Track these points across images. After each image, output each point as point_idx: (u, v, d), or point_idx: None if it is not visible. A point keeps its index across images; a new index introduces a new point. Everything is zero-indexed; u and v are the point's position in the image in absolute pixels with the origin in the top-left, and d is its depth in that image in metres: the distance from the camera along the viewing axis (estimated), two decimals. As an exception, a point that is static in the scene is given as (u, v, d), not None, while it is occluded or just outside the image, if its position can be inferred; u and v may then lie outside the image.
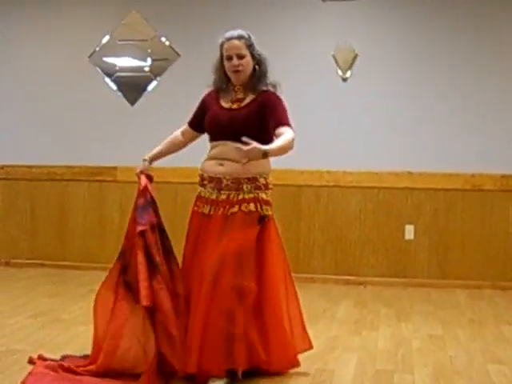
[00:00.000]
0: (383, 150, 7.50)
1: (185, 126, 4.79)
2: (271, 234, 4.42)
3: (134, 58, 8.12)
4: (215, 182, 4.38)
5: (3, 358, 4.60)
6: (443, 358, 4.80)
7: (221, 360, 4.06)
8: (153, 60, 8.07)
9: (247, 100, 4.41)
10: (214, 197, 4.37)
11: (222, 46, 4.41)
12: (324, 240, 7.64)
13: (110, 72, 8.14)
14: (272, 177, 4.48)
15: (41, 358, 4.43)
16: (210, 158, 4.47)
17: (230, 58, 4.36)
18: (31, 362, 4.38)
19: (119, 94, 8.10)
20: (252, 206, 4.29)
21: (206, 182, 4.44)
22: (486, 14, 7.32)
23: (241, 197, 4.30)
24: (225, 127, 4.36)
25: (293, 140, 4.14)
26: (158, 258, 4.29)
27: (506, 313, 6.29)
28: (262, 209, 4.32)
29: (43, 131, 8.23)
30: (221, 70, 4.45)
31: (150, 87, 8.05)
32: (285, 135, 4.14)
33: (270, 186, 4.45)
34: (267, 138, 4.26)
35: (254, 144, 3.83)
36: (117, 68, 8.13)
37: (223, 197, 4.33)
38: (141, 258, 4.31)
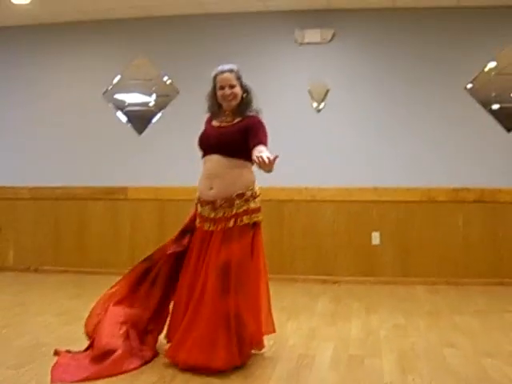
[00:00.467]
0: (352, 169, 7.52)
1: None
2: (258, 237, 4.43)
3: (141, 94, 8.13)
4: (210, 204, 4.39)
5: (32, 350, 4.58)
6: (406, 344, 4.80)
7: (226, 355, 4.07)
8: (157, 96, 8.09)
9: (235, 121, 4.46)
10: (212, 216, 4.38)
11: (215, 77, 4.48)
12: (304, 246, 7.64)
13: (120, 106, 8.15)
14: (259, 192, 4.49)
15: (67, 351, 4.40)
16: (203, 177, 4.47)
17: (222, 88, 4.42)
18: (56, 353, 4.38)
19: (128, 125, 8.10)
20: (245, 219, 4.32)
21: (203, 205, 4.45)
22: (443, 54, 7.39)
23: (234, 212, 4.32)
24: (214, 141, 4.41)
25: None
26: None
27: (458, 305, 6.29)
28: (251, 217, 4.34)
29: (64, 157, 8.22)
30: (214, 97, 4.52)
31: (155, 119, 8.06)
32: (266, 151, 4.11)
33: (258, 194, 4.46)
34: (247, 153, 4.28)
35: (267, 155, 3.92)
36: (126, 103, 8.14)
37: (219, 215, 4.35)
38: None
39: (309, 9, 7.58)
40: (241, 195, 4.35)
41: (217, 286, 4.15)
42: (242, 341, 4.14)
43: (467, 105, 7.38)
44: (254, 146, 4.24)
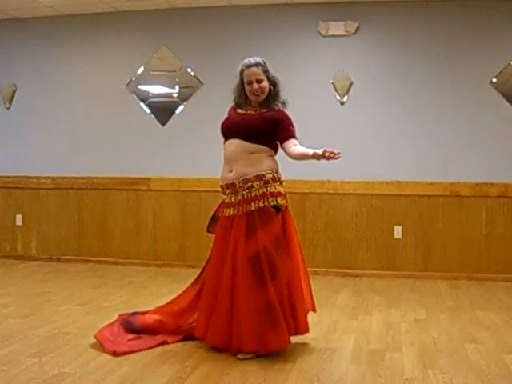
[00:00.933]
0: (375, 162, 7.49)
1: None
2: (288, 225, 4.47)
3: (164, 85, 8.14)
4: (231, 187, 4.41)
5: (56, 338, 4.62)
6: (427, 339, 4.78)
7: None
8: (180, 87, 8.09)
9: (261, 111, 4.47)
10: (233, 200, 4.40)
11: (242, 72, 4.46)
12: (325, 239, 7.63)
13: (144, 98, 8.16)
14: (281, 178, 4.51)
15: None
16: (224, 162, 4.51)
17: (250, 83, 4.41)
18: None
19: (152, 116, 8.12)
20: (261, 203, 4.32)
21: (225, 190, 4.47)
22: (468, 47, 7.33)
23: (253, 194, 4.34)
24: (237, 126, 4.44)
25: None
26: None
27: (480, 300, 6.25)
28: (268, 201, 4.33)
29: (88, 147, 8.25)
30: (241, 91, 4.51)
31: (178, 110, 8.06)
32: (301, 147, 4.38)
33: (280, 179, 4.47)
34: (270, 143, 4.43)
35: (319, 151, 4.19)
36: (150, 94, 8.15)
37: (239, 197, 4.37)
38: None
39: (333, 1, 7.54)
40: (260, 177, 4.35)
41: (251, 279, 4.19)
42: (283, 327, 4.21)
43: (492, 99, 7.30)
44: (285, 139, 4.39)
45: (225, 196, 4.49)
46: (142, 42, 8.16)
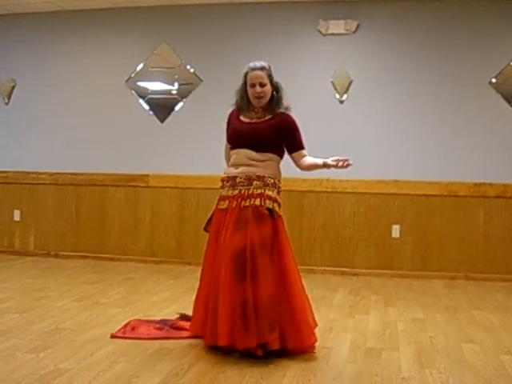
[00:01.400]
0: (374, 161, 7.48)
1: (225, 143, 4.72)
2: (280, 229, 4.42)
3: (164, 82, 8.13)
4: (231, 180, 4.41)
5: (52, 334, 4.61)
6: (424, 338, 4.78)
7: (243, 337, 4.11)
8: (179, 84, 8.08)
9: (265, 118, 4.45)
10: (230, 193, 4.40)
11: (246, 74, 4.44)
12: (323, 237, 7.63)
13: (143, 94, 8.15)
14: (281, 187, 4.50)
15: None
16: (229, 165, 4.53)
17: (253, 86, 4.39)
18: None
19: (151, 113, 8.11)
20: (257, 201, 4.31)
21: (224, 183, 4.47)
22: (468, 47, 7.33)
23: (250, 191, 4.33)
24: (245, 136, 4.41)
25: None
26: None
27: (476, 300, 6.26)
28: (265, 203, 4.31)
29: (87, 143, 8.24)
30: (244, 94, 4.47)
31: (177, 107, 8.05)
32: (310, 157, 4.53)
33: (279, 187, 4.47)
34: (278, 149, 4.45)
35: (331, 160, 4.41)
36: (149, 91, 8.14)
37: (236, 192, 4.36)
38: None
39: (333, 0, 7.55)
40: (261, 178, 4.35)
41: (232, 273, 4.16)
42: (259, 325, 4.12)
43: (491, 99, 7.30)
44: (295, 151, 4.50)
45: (222, 190, 4.49)
46: (141, 38, 8.14)
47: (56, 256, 8.25)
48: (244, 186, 4.35)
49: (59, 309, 5.43)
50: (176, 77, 8.07)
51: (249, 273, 4.15)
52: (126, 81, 8.15)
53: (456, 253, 7.36)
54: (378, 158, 7.50)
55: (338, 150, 7.22)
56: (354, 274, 7.46)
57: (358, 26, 7.52)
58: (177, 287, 6.54)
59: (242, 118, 4.52)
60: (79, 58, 8.30)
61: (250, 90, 4.42)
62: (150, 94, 8.13)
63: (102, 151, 8.21)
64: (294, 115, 4.51)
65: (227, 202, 4.40)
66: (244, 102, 4.49)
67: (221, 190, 4.50)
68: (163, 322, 4.93)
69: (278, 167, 4.50)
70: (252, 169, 4.36)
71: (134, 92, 8.15)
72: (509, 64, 7.24)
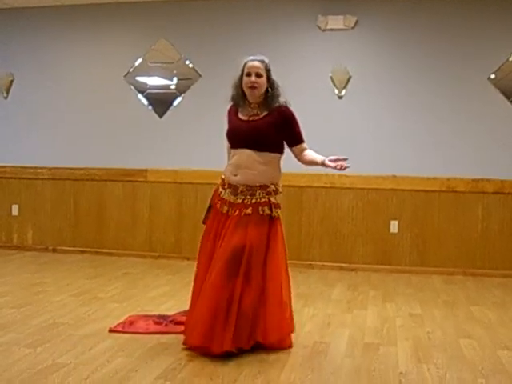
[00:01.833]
0: (372, 156, 7.48)
1: (227, 144, 4.69)
2: (278, 231, 4.43)
3: (162, 77, 8.12)
4: (232, 188, 4.39)
5: (50, 329, 4.62)
6: (422, 334, 4.79)
7: (228, 338, 4.06)
8: (178, 79, 8.07)
9: (262, 114, 4.41)
10: (231, 200, 4.37)
11: (244, 64, 4.40)
12: (322, 232, 7.63)
13: (141, 89, 8.14)
14: (281, 189, 4.52)
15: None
16: (229, 165, 4.48)
17: (249, 75, 4.35)
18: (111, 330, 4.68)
19: (149, 107, 8.10)
20: (267, 209, 4.34)
21: (226, 187, 4.44)
22: (467, 43, 7.32)
23: (254, 201, 4.32)
24: (244, 136, 4.37)
25: None
26: None
27: (475, 295, 6.26)
28: (272, 211, 4.35)
29: (85, 138, 8.24)
30: (239, 86, 4.43)
31: (176, 102, 8.04)
32: (311, 152, 4.51)
33: (280, 191, 4.48)
34: (278, 146, 4.43)
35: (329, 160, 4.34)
36: (147, 86, 8.13)
37: (239, 201, 4.35)
38: None
39: (332, -5, 7.55)
40: (264, 187, 4.36)
41: (223, 269, 4.14)
42: (239, 329, 4.10)
43: (490, 95, 7.29)
44: (295, 144, 4.48)
45: (223, 191, 4.46)
46: (140, 33, 8.13)
47: (54, 251, 8.25)
48: (247, 195, 4.34)
49: (57, 303, 5.43)
50: (175, 72, 8.06)
51: (242, 271, 4.14)
52: (125, 75, 8.15)
53: (454, 248, 7.36)
54: (376, 154, 7.50)
55: (337, 145, 7.26)
56: (353, 270, 7.46)
57: (356, 21, 7.51)
58: (175, 282, 6.54)
59: (239, 115, 4.49)
60: (77, 52, 8.28)
61: (244, 80, 4.36)
62: (149, 88, 8.12)
63: (101, 146, 8.20)
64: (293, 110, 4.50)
65: (230, 208, 4.37)
66: (239, 95, 4.45)
67: (221, 190, 4.48)
68: (162, 317, 4.94)
69: (279, 166, 4.48)
70: (253, 178, 4.32)
71: (132, 87, 8.14)
72: (508, 60, 7.23)
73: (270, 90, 4.41)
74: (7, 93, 8.49)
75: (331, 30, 7.57)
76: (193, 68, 7.96)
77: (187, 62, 7.97)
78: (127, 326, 4.70)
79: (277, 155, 4.43)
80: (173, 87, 8.07)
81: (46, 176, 8.33)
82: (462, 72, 7.35)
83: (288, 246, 4.63)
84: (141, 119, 8.11)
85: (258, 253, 4.23)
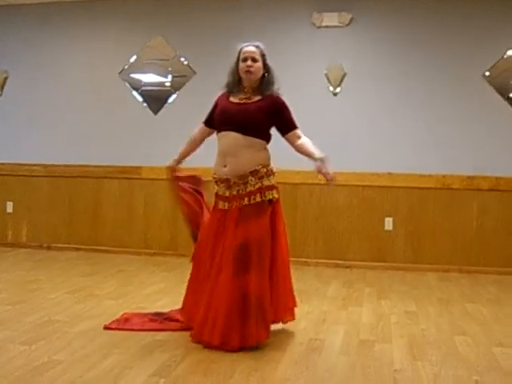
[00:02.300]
0: (367, 153, 7.49)
1: (200, 125, 4.79)
2: (278, 213, 4.50)
3: (157, 74, 8.11)
4: (225, 182, 4.39)
5: (45, 327, 4.61)
6: (416, 331, 4.79)
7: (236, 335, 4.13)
8: (173, 77, 8.06)
9: (255, 99, 4.41)
10: (227, 194, 4.38)
11: (240, 51, 4.43)
12: (316, 230, 7.63)
13: (136, 86, 8.13)
14: (274, 169, 4.50)
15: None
16: (218, 154, 4.46)
17: (245, 60, 4.36)
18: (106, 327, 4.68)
19: (144, 104, 8.10)
20: (258, 197, 4.32)
21: (218, 183, 4.45)
22: (461, 40, 7.33)
23: (248, 189, 4.32)
24: (233, 117, 4.35)
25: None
26: None
27: (469, 293, 6.27)
28: (265, 195, 4.34)
29: (80, 135, 8.23)
30: (236, 73, 4.44)
31: (171, 99, 8.04)
32: (307, 140, 4.50)
33: (273, 172, 4.46)
34: (264, 134, 4.40)
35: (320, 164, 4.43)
36: (142, 83, 8.12)
37: (234, 193, 4.35)
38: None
39: (327, -8, 7.55)
40: (255, 172, 4.33)
41: (233, 266, 4.16)
42: (261, 322, 4.19)
43: (484, 92, 7.30)
44: (288, 131, 4.45)
45: (217, 187, 4.47)
46: (135, 30, 8.12)
47: (49, 248, 8.24)
48: (240, 185, 4.34)
49: (52, 301, 5.43)
50: (170, 69, 8.05)
51: (252, 265, 4.18)
52: (120, 72, 8.14)
53: (449, 245, 7.37)
54: (371, 151, 7.50)
55: (332, 142, 7.27)
56: (348, 267, 7.46)
57: (351, 18, 7.51)
58: (171, 279, 6.54)
59: (231, 98, 4.49)
60: (72, 49, 8.28)
61: (241, 65, 4.38)
62: (144, 85, 8.11)
63: (95, 143, 8.19)
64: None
65: (227, 203, 4.38)
66: (235, 80, 4.45)
67: (216, 188, 4.49)
68: (158, 314, 4.93)
69: (267, 151, 4.45)
70: (241, 165, 4.31)
71: (127, 84, 8.14)
72: (502, 57, 7.24)
73: (266, 75, 4.43)
74: (2, 90, 8.47)
75: (326, 27, 7.57)
76: (187, 65, 7.95)
77: (182, 59, 7.97)
78: (122, 323, 4.70)
79: (262, 142, 4.38)
80: (167, 84, 8.07)
81: (41, 173, 8.32)
82: (457, 69, 7.36)
83: (283, 244, 4.64)
84: (135, 116, 8.10)
85: (264, 244, 4.27)
